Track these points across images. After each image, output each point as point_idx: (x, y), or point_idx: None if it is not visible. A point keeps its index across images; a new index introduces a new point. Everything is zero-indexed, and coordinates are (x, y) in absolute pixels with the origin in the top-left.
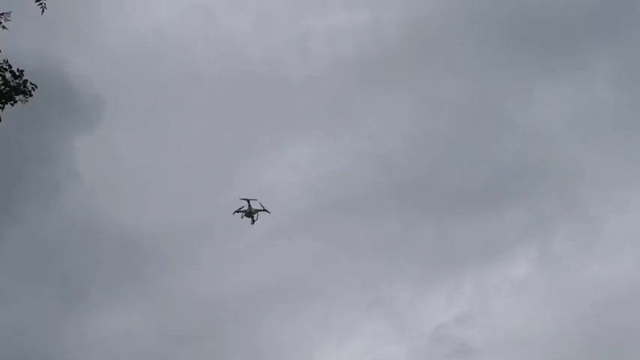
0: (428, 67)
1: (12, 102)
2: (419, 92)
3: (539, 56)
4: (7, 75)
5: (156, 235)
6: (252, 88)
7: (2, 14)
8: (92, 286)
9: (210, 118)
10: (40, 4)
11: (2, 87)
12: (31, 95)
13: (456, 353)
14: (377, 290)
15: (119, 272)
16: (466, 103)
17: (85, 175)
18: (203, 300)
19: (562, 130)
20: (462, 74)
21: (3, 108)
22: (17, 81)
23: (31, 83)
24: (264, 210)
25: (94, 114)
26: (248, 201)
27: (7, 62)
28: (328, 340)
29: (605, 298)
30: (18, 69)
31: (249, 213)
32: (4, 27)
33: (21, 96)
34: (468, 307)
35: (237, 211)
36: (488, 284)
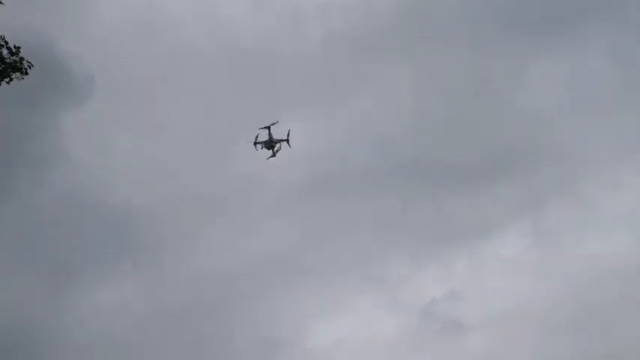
0: (422, 45)
1: (8, 79)
2: (413, 70)
3: (534, 33)
4: (4, 51)
5: (150, 211)
6: (244, 65)
7: None
8: (87, 261)
9: (203, 94)
10: None
11: None
12: (27, 73)
13: (447, 329)
14: (371, 266)
15: (114, 248)
16: (461, 81)
17: (77, 151)
18: (199, 275)
19: (556, 108)
20: (457, 52)
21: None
22: (13, 58)
23: (27, 61)
24: (287, 140)
25: (85, 91)
26: (269, 129)
27: (3, 38)
28: (322, 315)
29: (597, 273)
30: (15, 45)
31: (270, 143)
32: (1, 2)
33: (17, 73)
34: (460, 283)
35: (257, 142)
36: (481, 260)
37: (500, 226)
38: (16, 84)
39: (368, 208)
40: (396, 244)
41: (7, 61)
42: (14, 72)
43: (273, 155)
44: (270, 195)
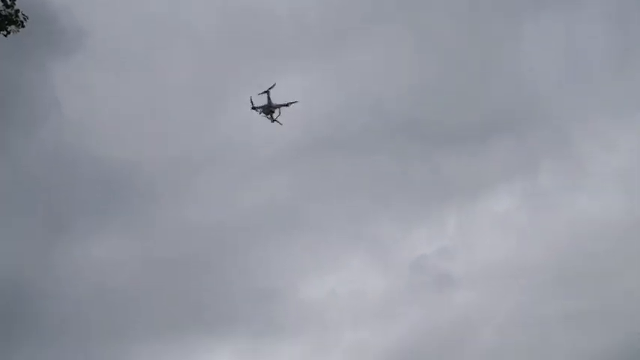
0: (419, 8)
1: (4, 32)
2: (410, 33)
3: None
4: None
5: (140, 165)
6: (237, 23)
7: None
8: (79, 214)
9: (195, 52)
10: None
11: None
12: (23, 26)
13: (437, 283)
14: (364, 223)
15: (104, 201)
16: (457, 43)
17: (68, 105)
18: (193, 227)
19: (551, 70)
20: (454, 15)
21: None
22: (9, 10)
23: (22, 14)
24: (287, 105)
25: (76, 44)
26: (268, 94)
27: None
28: (316, 268)
29: (587, 232)
30: None
31: (269, 109)
32: None
33: (13, 26)
34: (451, 240)
35: (255, 108)
36: (473, 218)
37: (493, 185)
38: (12, 37)
39: (363, 166)
40: (390, 202)
41: (3, 13)
42: (10, 25)
43: (273, 120)
44: (267, 151)
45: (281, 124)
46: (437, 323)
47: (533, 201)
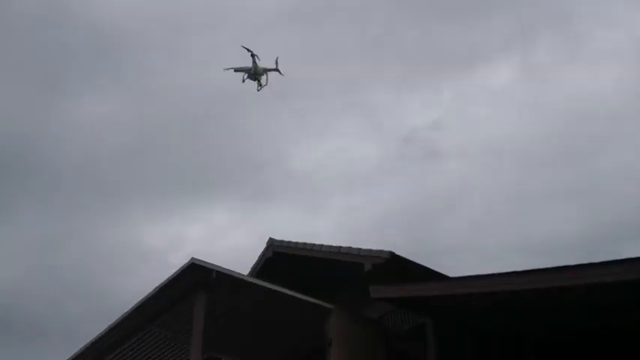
0: None
1: None
2: None
3: None
4: None
5: (131, 25)
6: None
7: None
8: (68, 73)
9: None
10: None
11: None
12: None
13: (427, 155)
14: (355, 91)
15: (95, 61)
16: None
17: None
18: (184, 92)
19: None
20: None
21: None
22: None
23: None
24: (276, 70)
25: None
26: (253, 55)
27: None
28: (303, 137)
29: (582, 111)
30: None
31: (255, 73)
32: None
33: None
34: (444, 112)
35: (238, 70)
36: (467, 91)
37: (489, 58)
38: None
39: (355, 32)
40: (382, 71)
41: None
42: None
43: (259, 88)
44: (254, 17)
45: (263, 86)
46: (425, 193)
47: (529, 77)
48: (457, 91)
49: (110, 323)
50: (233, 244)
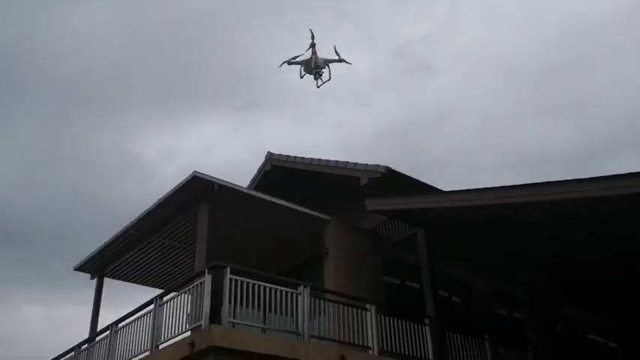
0: None
1: None
2: None
3: None
4: None
5: None
6: None
7: None
8: None
9: None
10: None
11: None
12: None
13: (420, 68)
14: (347, 2)
15: None
16: None
17: None
18: (175, 4)
19: None
20: None
21: None
22: None
23: None
24: (340, 60)
25: None
26: (313, 45)
27: None
28: (293, 51)
29: (574, 27)
30: None
31: (313, 66)
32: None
33: None
34: (437, 27)
35: (292, 63)
36: (461, 5)
37: None
38: None
39: None
40: None
41: None
42: None
43: (318, 86)
44: None
45: (324, 82)
46: (418, 106)
47: None
48: (450, 6)
49: (116, 231)
50: (226, 157)
